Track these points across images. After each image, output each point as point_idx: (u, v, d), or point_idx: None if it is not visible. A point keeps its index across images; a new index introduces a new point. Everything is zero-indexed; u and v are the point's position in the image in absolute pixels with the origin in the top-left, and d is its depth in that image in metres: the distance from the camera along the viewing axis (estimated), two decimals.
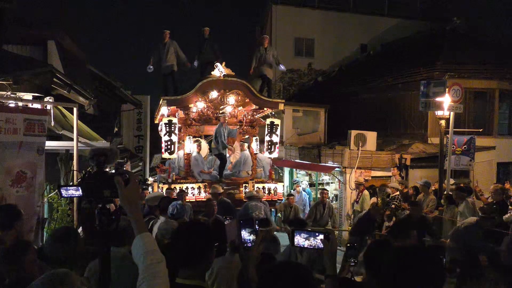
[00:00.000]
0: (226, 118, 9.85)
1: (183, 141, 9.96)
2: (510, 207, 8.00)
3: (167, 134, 9.35)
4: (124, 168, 11.84)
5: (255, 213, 7.95)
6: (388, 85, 15.02)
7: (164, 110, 9.78)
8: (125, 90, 13.99)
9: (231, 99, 9.71)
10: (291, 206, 9.84)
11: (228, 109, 9.99)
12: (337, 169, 11.58)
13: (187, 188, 9.14)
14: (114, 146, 11.29)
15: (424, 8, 19.61)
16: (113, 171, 2.11)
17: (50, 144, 6.32)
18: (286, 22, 20.89)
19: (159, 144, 9.96)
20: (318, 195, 9.43)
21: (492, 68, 14.11)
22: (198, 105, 9.67)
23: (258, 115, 10.63)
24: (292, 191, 11.73)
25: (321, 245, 2.48)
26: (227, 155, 10.73)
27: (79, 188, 2.24)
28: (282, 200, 10.12)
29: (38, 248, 3.41)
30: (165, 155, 9.53)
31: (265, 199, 9.21)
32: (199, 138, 10.74)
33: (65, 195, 2.53)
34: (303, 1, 21.03)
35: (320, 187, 12.66)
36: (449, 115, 9.95)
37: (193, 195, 9.22)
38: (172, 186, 9.07)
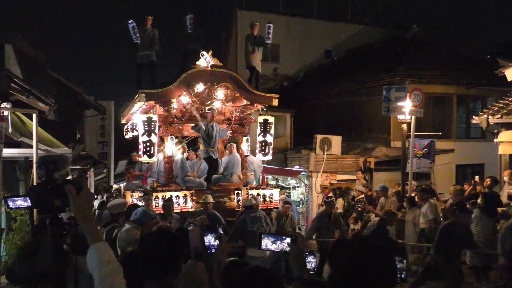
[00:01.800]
0: (215, 115, 8.65)
1: (164, 142, 8.75)
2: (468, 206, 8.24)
3: (146, 133, 7.99)
4: (87, 176, 11.55)
5: (255, 227, 7.14)
6: (352, 90, 15.29)
7: (136, 107, 8.65)
8: (88, 95, 13.69)
9: (220, 93, 8.49)
10: (287, 215, 8.79)
11: (217, 105, 8.74)
12: (303, 173, 11.69)
13: (171, 196, 7.89)
14: (77, 152, 10.97)
15: (385, 16, 20.10)
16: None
17: (8, 151, 6.09)
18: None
19: (125, 148, 9.67)
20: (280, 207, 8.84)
21: (450, 73, 14.64)
22: (182, 100, 8.41)
23: (247, 112, 9.46)
24: (288, 198, 10.63)
25: (288, 249, 2.46)
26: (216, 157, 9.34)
27: (27, 198, 2.08)
28: (278, 208, 8.98)
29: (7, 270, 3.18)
30: (143, 158, 8.21)
31: (260, 208, 8.22)
32: (182, 139, 9.71)
33: (13, 206, 2.29)
34: (268, 7, 21.15)
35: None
36: (411, 119, 10.21)
37: (178, 204, 7.94)
38: (154, 194, 7.76)
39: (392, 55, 15.49)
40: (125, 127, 10.60)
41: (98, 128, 15.73)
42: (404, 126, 10.52)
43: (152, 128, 8.00)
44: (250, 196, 8.37)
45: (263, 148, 9.15)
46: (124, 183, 11.98)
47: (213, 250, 2.58)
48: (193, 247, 3.08)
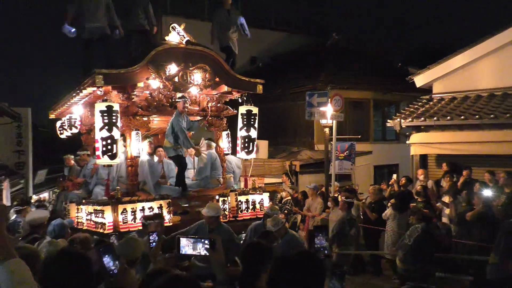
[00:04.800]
0: (187, 105, 6.92)
1: (125, 138, 6.79)
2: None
3: (106, 127, 6.05)
4: (2, 187, 10.72)
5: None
6: (277, 95, 15.59)
7: (78, 97, 6.97)
8: (1, 102, 12.73)
9: (197, 76, 6.84)
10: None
11: (193, 91, 7.11)
12: None
13: (143, 208, 6.07)
14: None
15: (307, 25, 20.76)
16: None
17: None
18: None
19: (45, 157, 8.77)
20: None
21: (367, 80, 15.30)
22: (152, 85, 6.71)
23: (223, 101, 7.89)
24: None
25: (206, 252, 2.46)
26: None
27: None
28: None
29: None
30: (103, 160, 6.20)
31: (246, 217, 6.98)
32: (150, 135, 7.71)
33: None
34: (193, 13, 21.04)
35: None
36: (332, 123, 10.53)
37: None
38: (120, 207, 5.91)
39: (314, 62, 15.97)
40: (58, 124, 9.01)
41: (13, 136, 14.65)
42: (327, 130, 10.88)
43: (114, 121, 6.13)
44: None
45: (246, 144, 7.47)
46: (56, 194, 10.13)
47: (115, 271, 2.32)
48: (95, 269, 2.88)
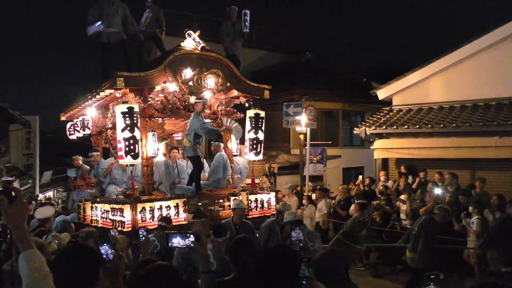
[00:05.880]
0: (206, 107, 6.63)
1: (141, 139, 6.34)
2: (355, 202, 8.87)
3: (128, 128, 5.81)
4: (13, 185, 10.63)
5: (316, 246, 4.86)
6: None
7: (94, 100, 6.69)
8: (13, 110, 12.63)
9: (210, 81, 6.58)
10: None
11: (207, 95, 6.82)
12: None
13: (160, 207, 5.81)
14: (2, 164, 10.00)
15: (284, 44, 20.98)
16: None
17: None
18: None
19: (50, 159, 8.44)
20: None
21: (336, 93, 15.54)
22: (169, 88, 6.43)
23: (231, 105, 7.61)
24: None
25: (192, 245, 2.44)
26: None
27: None
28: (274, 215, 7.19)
29: None
30: (126, 160, 5.88)
31: (256, 215, 6.66)
32: (166, 137, 7.52)
33: None
34: (178, 31, 20.97)
35: None
36: (306, 130, 10.68)
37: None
38: (139, 206, 5.67)
39: (290, 77, 16.09)
40: (69, 125, 8.63)
41: (23, 141, 14.57)
42: (301, 136, 11.03)
43: (135, 121, 5.87)
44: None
45: (254, 146, 7.18)
46: (67, 193, 9.54)
47: (110, 257, 2.26)
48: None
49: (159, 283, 1.82)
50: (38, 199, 11.68)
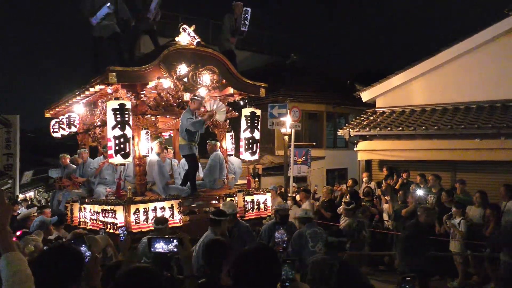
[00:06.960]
0: (202, 104, 6.33)
1: (133, 137, 5.98)
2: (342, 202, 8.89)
3: (118, 126, 5.48)
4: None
5: (317, 247, 4.66)
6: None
7: (82, 95, 6.35)
8: None
9: (206, 78, 6.33)
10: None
11: (202, 92, 6.45)
12: None
13: (155, 208, 5.43)
14: None
15: (269, 46, 21.03)
16: None
17: None
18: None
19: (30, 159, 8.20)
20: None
21: (320, 95, 15.61)
22: (163, 84, 6.12)
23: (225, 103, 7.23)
24: None
25: (175, 249, 2.41)
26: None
27: None
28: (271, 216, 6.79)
29: None
30: (116, 159, 5.54)
31: (252, 217, 6.45)
32: (160, 135, 7.14)
33: None
34: (164, 31, 20.84)
35: None
36: (291, 132, 10.69)
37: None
38: (133, 207, 5.27)
39: (275, 78, 16.12)
40: (53, 122, 8.28)
41: (3, 141, 14.21)
42: (286, 137, 11.00)
43: (126, 119, 5.52)
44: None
45: (250, 146, 6.95)
46: (52, 193, 9.08)
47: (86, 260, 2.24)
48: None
49: (137, 285, 1.78)
50: (18, 199, 11.39)
